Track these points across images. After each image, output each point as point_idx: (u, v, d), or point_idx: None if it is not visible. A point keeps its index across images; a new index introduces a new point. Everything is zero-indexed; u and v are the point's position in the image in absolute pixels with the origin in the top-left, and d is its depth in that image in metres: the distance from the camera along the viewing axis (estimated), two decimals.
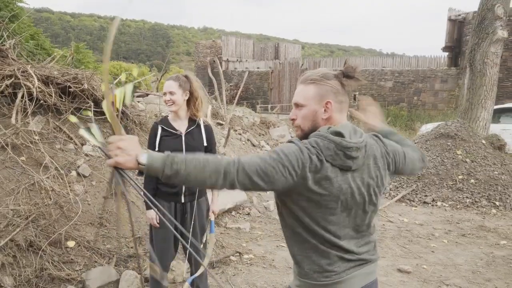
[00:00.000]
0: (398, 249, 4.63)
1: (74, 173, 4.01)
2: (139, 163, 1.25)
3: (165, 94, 2.75)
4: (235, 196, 5.49)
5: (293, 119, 1.56)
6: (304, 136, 1.53)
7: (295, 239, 1.50)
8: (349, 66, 1.47)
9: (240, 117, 9.26)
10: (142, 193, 1.41)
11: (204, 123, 2.91)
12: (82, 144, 4.39)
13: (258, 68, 25.87)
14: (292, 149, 1.39)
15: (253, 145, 8.11)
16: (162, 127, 2.78)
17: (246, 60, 28.20)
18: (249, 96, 24.13)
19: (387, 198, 6.67)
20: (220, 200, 3.18)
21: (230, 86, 22.74)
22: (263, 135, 9.06)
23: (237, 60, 27.95)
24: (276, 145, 8.77)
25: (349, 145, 1.41)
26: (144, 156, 1.26)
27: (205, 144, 2.86)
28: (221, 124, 8.09)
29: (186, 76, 2.82)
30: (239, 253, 4.21)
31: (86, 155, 4.29)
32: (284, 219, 1.52)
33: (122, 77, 2.01)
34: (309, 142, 1.42)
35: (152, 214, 2.76)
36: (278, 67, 24.32)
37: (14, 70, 4.14)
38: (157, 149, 2.74)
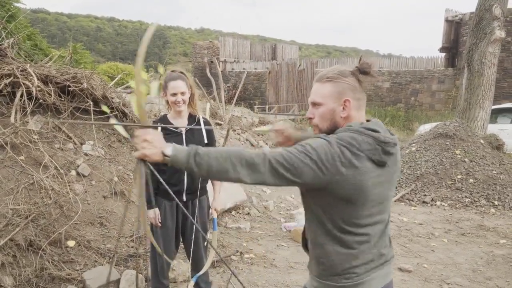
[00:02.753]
0: (399, 248, 4.63)
1: (73, 172, 3.99)
2: (164, 155, 1.29)
3: (175, 95, 2.68)
4: (235, 196, 5.48)
5: (310, 118, 1.53)
6: None
7: (322, 237, 1.44)
8: (365, 62, 1.44)
9: (239, 117, 9.24)
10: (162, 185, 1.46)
11: (203, 119, 2.89)
12: (82, 144, 4.37)
13: (255, 68, 25.86)
14: (320, 143, 1.34)
15: (252, 145, 8.10)
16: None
17: (244, 61, 28.16)
18: (247, 97, 24.11)
19: None
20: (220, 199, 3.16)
21: (228, 86, 22.70)
22: (262, 135, 9.05)
23: (235, 60, 27.92)
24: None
25: (387, 140, 1.38)
26: (170, 149, 1.30)
27: (205, 141, 2.84)
28: (219, 124, 8.07)
29: (182, 73, 2.80)
30: (240, 252, 4.20)
31: (86, 154, 4.27)
32: (313, 216, 1.46)
33: (160, 69, 2.00)
34: (342, 137, 1.37)
35: (153, 214, 2.74)
36: (275, 67, 24.30)
37: (13, 69, 4.11)
38: None
